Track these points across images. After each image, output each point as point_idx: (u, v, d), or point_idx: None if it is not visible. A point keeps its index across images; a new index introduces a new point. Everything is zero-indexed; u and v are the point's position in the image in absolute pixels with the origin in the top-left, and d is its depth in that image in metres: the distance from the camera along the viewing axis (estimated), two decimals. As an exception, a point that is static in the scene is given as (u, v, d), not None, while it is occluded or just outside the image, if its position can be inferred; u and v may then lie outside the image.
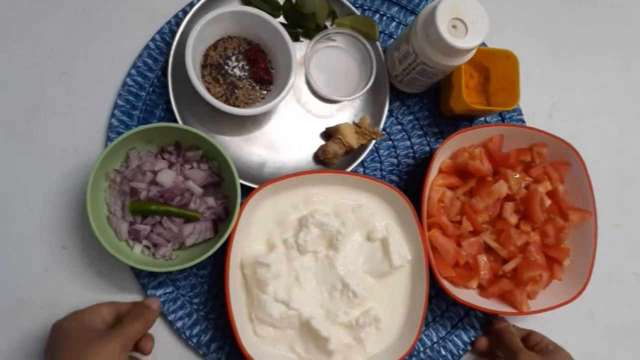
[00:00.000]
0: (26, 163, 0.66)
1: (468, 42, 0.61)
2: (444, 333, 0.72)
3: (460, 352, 0.71)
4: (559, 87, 0.83)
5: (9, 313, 0.63)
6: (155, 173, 0.61)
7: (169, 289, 0.66)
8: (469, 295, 0.69)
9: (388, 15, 0.77)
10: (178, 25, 0.69)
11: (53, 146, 0.67)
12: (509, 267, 0.69)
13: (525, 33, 0.83)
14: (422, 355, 0.70)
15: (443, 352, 0.71)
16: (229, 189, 0.64)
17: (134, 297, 0.65)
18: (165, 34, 0.70)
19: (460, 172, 0.71)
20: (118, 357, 0.54)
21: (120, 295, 0.65)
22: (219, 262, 0.66)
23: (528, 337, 0.70)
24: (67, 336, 0.54)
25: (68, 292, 0.64)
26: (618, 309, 0.78)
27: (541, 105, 0.82)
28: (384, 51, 0.74)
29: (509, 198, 0.70)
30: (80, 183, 0.66)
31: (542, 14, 0.84)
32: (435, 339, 0.71)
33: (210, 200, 0.63)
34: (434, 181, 0.70)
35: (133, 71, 0.68)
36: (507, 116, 0.79)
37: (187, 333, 0.65)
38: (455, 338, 0.72)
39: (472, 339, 0.72)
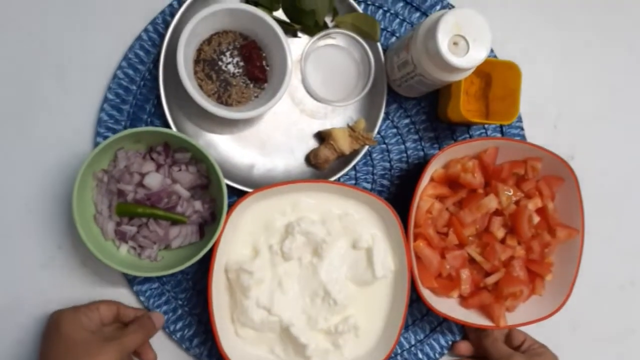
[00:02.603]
0: (21, 160, 0.66)
1: (468, 61, 0.59)
2: (422, 336, 0.74)
3: (437, 355, 0.74)
4: (565, 96, 0.80)
5: (6, 309, 0.65)
6: (142, 175, 0.61)
7: (155, 285, 0.67)
8: (449, 303, 0.70)
9: (392, 12, 0.74)
10: (172, 15, 0.67)
11: (47, 142, 0.66)
12: (490, 280, 0.69)
13: (535, 40, 0.79)
14: (398, 357, 0.73)
15: (420, 355, 0.73)
16: (216, 193, 0.63)
17: (121, 290, 0.67)
18: (159, 25, 0.68)
19: (452, 182, 0.71)
20: None
21: (109, 289, 0.66)
22: (204, 260, 0.66)
23: (510, 338, 0.71)
24: (65, 334, 0.56)
25: (63, 289, 0.65)
26: (601, 321, 0.79)
27: (546, 115, 0.80)
28: (385, 50, 0.72)
29: (497, 212, 0.70)
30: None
31: (554, 21, 0.80)
32: (413, 342, 0.73)
33: (197, 204, 0.63)
34: (424, 190, 0.69)
35: (124, 63, 0.66)
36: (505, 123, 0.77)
37: (171, 327, 0.67)
38: (432, 342, 0.74)
39: (450, 342, 0.74)
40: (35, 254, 0.66)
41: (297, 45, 0.70)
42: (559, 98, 0.80)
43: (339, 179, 0.71)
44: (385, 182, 0.74)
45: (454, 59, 0.58)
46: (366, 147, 0.71)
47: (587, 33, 0.81)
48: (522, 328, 0.71)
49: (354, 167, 0.72)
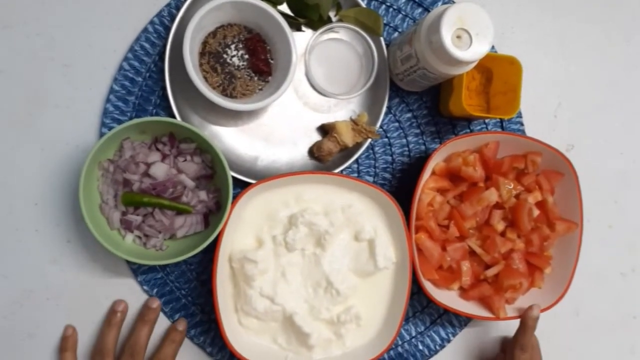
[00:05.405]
0: (30, 156, 0.66)
1: (471, 54, 0.60)
2: (422, 328, 0.74)
3: (437, 347, 0.74)
4: (565, 87, 0.81)
5: (17, 303, 0.65)
6: (148, 165, 0.62)
7: (158, 275, 0.68)
8: (449, 295, 0.71)
9: (395, 7, 0.75)
10: (178, 8, 0.67)
11: (55, 139, 0.67)
12: (490, 272, 0.70)
13: (535, 31, 0.80)
14: (399, 348, 0.73)
15: (420, 347, 0.74)
16: (221, 183, 0.64)
17: (126, 280, 0.67)
18: (165, 17, 0.68)
19: (453, 175, 0.71)
20: None
21: (113, 279, 0.67)
22: (208, 250, 0.67)
23: None
24: None
25: (73, 284, 0.66)
26: (602, 307, 0.80)
27: (546, 105, 0.81)
28: (388, 45, 0.73)
29: (498, 205, 0.71)
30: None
31: (554, 12, 0.81)
32: (413, 334, 0.74)
33: (202, 194, 0.64)
34: (426, 184, 0.70)
35: (130, 55, 0.67)
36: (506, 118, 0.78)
37: (175, 317, 0.68)
38: (433, 334, 0.75)
39: (450, 335, 0.75)
40: (44, 248, 0.66)
41: (300, 39, 0.70)
42: (559, 88, 0.81)
43: (341, 172, 0.71)
44: (387, 175, 0.75)
45: (457, 52, 0.59)
46: (369, 141, 0.72)
47: (585, 24, 0.82)
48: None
49: (357, 161, 0.73)
